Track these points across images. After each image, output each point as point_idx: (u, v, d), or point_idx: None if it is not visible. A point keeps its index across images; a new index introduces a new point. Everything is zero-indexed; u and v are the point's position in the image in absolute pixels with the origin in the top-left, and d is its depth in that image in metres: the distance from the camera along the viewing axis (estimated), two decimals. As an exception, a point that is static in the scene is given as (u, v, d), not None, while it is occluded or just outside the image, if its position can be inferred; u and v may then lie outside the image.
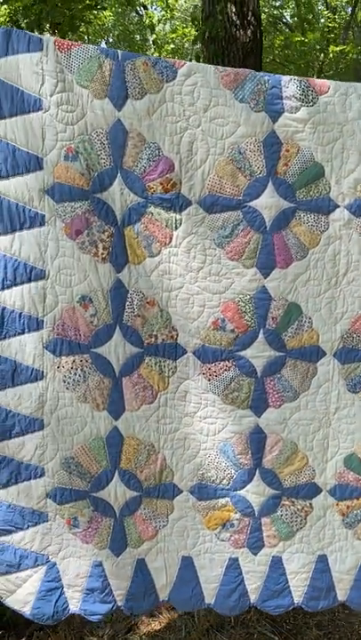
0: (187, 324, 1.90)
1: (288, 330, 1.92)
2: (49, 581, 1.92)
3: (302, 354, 1.94)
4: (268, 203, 1.85)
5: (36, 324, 1.81)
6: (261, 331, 1.91)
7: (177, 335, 1.90)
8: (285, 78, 1.84)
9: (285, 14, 14.39)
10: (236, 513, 1.98)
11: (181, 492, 1.97)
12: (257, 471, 1.97)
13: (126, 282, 1.86)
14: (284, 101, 1.82)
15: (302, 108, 1.83)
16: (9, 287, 1.78)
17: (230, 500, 1.98)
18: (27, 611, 1.92)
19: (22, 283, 1.78)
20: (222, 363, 1.92)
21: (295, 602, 2.02)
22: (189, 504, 1.97)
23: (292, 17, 13.83)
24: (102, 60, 1.74)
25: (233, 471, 1.97)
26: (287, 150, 1.84)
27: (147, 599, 1.99)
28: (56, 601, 1.92)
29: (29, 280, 1.79)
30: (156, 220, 1.84)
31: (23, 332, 1.80)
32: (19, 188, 1.75)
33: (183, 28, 11.18)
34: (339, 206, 1.89)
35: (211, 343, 1.91)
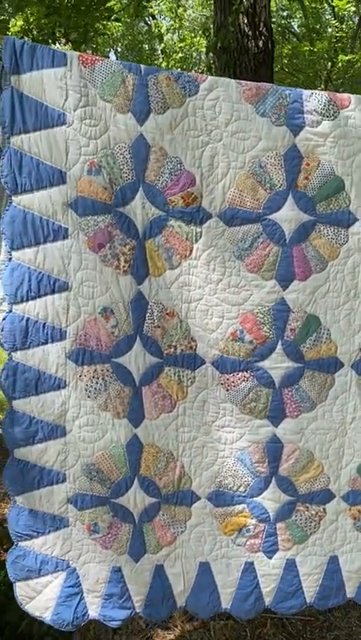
0: (205, 335, 1.89)
1: (306, 341, 1.91)
2: (69, 587, 1.92)
3: (320, 365, 1.93)
4: (288, 216, 1.84)
5: (60, 335, 1.82)
6: (280, 342, 1.90)
7: (196, 346, 1.89)
8: (306, 92, 1.82)
9: (293, 24, 14.52)
10: (252, 519, 1.98)
11: (199, 498, 1.97)
12: (273, 479, 1.97)
13: (147, 293, 1.85)
14: (305, 115, 1.81)
15: (323, 122, 1.81)
16: (33, 298, 1.79)
17: (247, 506, 1.98)
18: (47, 616, 1.93)
19: (46, 294, 1.79)
20: (240, 373, 1.91)
21: (307, 602, 2.04)
22: (207, 510, 1.97)
23: (299, 27, 13.94)
24: (125, 74, 1.73)
25: (250, 479, 1.97)
26: (308, 164, 1.83)
27: (165, 605, 1.99)
28: (76, 606, 1.92)
29: (53, 292, 1.80)
30: (176, 232, 1.83)
31: (47, 342, 1.81)
32: (42, 202, 1.75)
33: (192, 37, 11.32)
34: (358, 219, 1.87)
35: (229, 354, 1.90)
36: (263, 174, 1.83)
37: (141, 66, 1.75)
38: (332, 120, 1.83)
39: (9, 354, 1.81)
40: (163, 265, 1.85)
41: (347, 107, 1.83)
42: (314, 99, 1.82)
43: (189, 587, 2.00)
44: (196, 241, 1.85)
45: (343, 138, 1.84)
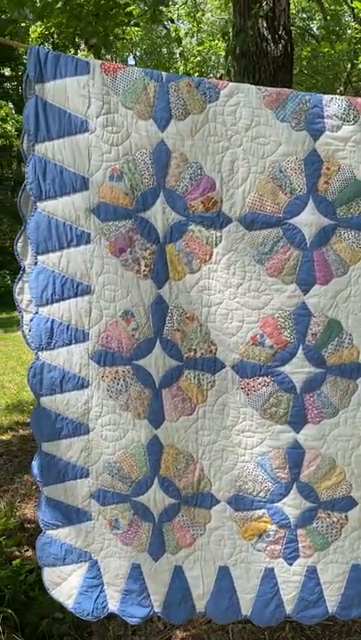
0: (226, 339, 1.90)
1: (328, 346, 1.90)
2: (91, 578, 1.98)
3: (342, 370, 1.92)
4: (308, 220, 1.85)
5: (82, 336, 1.87)
6: (301, 347, 1.90)
7: (216, 349, 1.90)
8: (326, 97, 1.83)
9: (312, 26, 14.45)
10: (272, 524, 1.97)
11: (219, 502, 1.97)
12: (294, 485, 1.96)
13: (167, 297, 1.87)
14: (325, 120, 1.81)
15: (343, 127, 1.81)
16: (57, 301, 1.85)
17: (267, 511, 1.97)
18: (69, 604, 2.00)
19: (69, 297, 1.85)
20: (261, 378, 1.91)
21: (329, 611, 2.02)
22: (226, 514, 1.97)
23: (318, 28, 13.87)
24: (147, 81, 1.76)
25: (270, 484, 1.96)
26: (328, 168, 1.83)
27: (183, 607, 2.00)
28: (96, 598, 1.98)
29: (76, 295, 1.85)
30: (196, 237, 1.85)
31: (70, 343, 1.87)
32: (66, 208, 1.79)
33: (210, 41, 11.35)
34: None
35: (249, 358, 1.90)
36: (283, 179, 1.84)
37: (163, 73, 1.78)
38: (353, 125, 1.83)
39: (36, 353, 1.89)
40: (183, 269, 1.87)
41: (367, 111, 1.83)
42: (334, 103, 1.83)
43: (208, 591, 2.00)
44: (217, 245, 1.86)
45: None
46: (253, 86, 1.82)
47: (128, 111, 1.77)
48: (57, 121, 1.75)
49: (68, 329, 1.86)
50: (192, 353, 1.91)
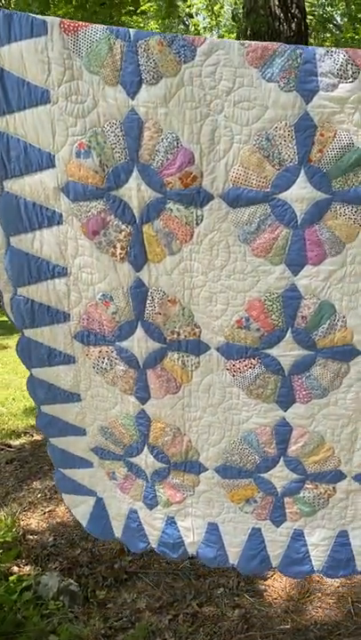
0: (210, 322, 1.62)
1: (319, 329, 1.60)
2: (98, 510, 2.02)
3: (334, 353, 1.62)
4: (299, 194, 1.49)
5: (64, 317, 1.70)
6: (290, 330, 1.60)
7: (200, 332, 1.65)
8: (320, 51, 1.39)
9: (335, 15, 13.95)
10: (259, 492, 1.84)
11: (207, 469, 1.83)
12: (281, 459, 1.78)
13: (146, 280, 1.59)
14: (319, 78, 1.40)
15: (340, 85, 1.40)
16: (34, 283, 1.66)
17: (253, 480, 1.81)
18: (84, 525, 2.06)
19: (47, 279, 1.65)
20: (247, 360, 1.66)
21: (315, 570, 1.90)
22: (215, 480, 1.83)
23: (342, 16, 13.38)
24: (112, 41, 1.38)
25: (257, 457, 1.79)
26: (322, 135, 1.43)
27: (176, 549, 1.97)
28: (104, 525, 2.04)
29: (53, 277, 1.65)
30: (175, 216, 1.52)
31: (52, 323, 1.72)
32: (34, 187, 1.51)
33: (229, 34, 11.01)
34: None
35: (235, 341, 1.64)
36: (271, 148, 1.47)
37: (130, 30, 1.37)
38: (351, 82, 1.40)
39: (21, 330, 1.76)
40: (162, 251, 1.56)
41: (369, 65, 1.36)
42: (329, 58, 1.38)
43: (199, 540, 1.94)
44: (197, 224, 1.54)
45: None
46: (236, 41, 1.37)
47: (93, 77, 1.40)
48: (16, 91, 1.40)
49: (48, 310, 1.70)
50: (175, 335, 1.66)
